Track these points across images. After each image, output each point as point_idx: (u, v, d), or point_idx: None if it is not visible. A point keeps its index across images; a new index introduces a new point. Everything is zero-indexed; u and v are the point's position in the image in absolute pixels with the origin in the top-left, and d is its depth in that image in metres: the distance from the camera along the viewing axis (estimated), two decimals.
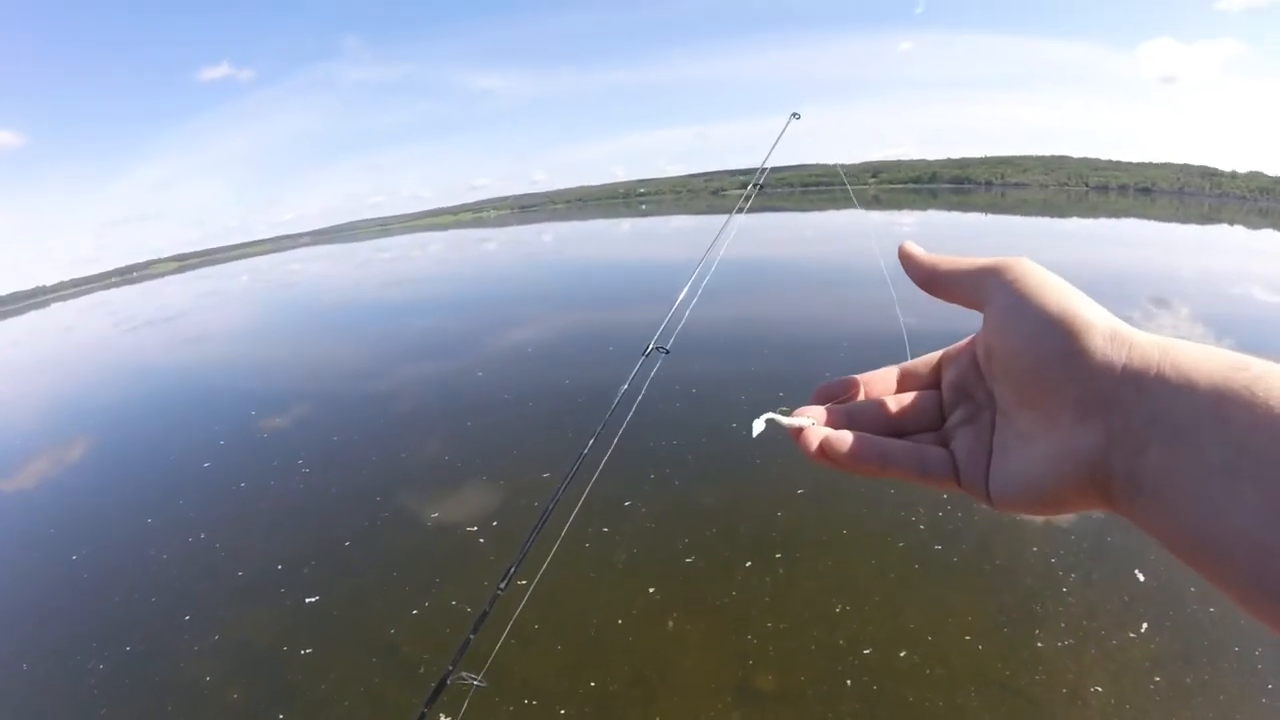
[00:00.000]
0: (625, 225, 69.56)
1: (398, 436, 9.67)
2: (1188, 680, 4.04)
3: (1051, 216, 52.75)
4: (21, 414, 16.92)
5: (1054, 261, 0.56)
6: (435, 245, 71.86)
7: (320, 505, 7.93)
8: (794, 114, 1.73)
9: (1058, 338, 0.49)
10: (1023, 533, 5.69)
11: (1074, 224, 44.97)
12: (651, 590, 5.38)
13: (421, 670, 4.85)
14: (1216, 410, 0.41)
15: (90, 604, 6.56)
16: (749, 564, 5.55)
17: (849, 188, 3.20)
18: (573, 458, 1.63)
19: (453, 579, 5.95)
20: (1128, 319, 0.50)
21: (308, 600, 5.94)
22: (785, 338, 12.53)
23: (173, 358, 21.41)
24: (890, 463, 0.58)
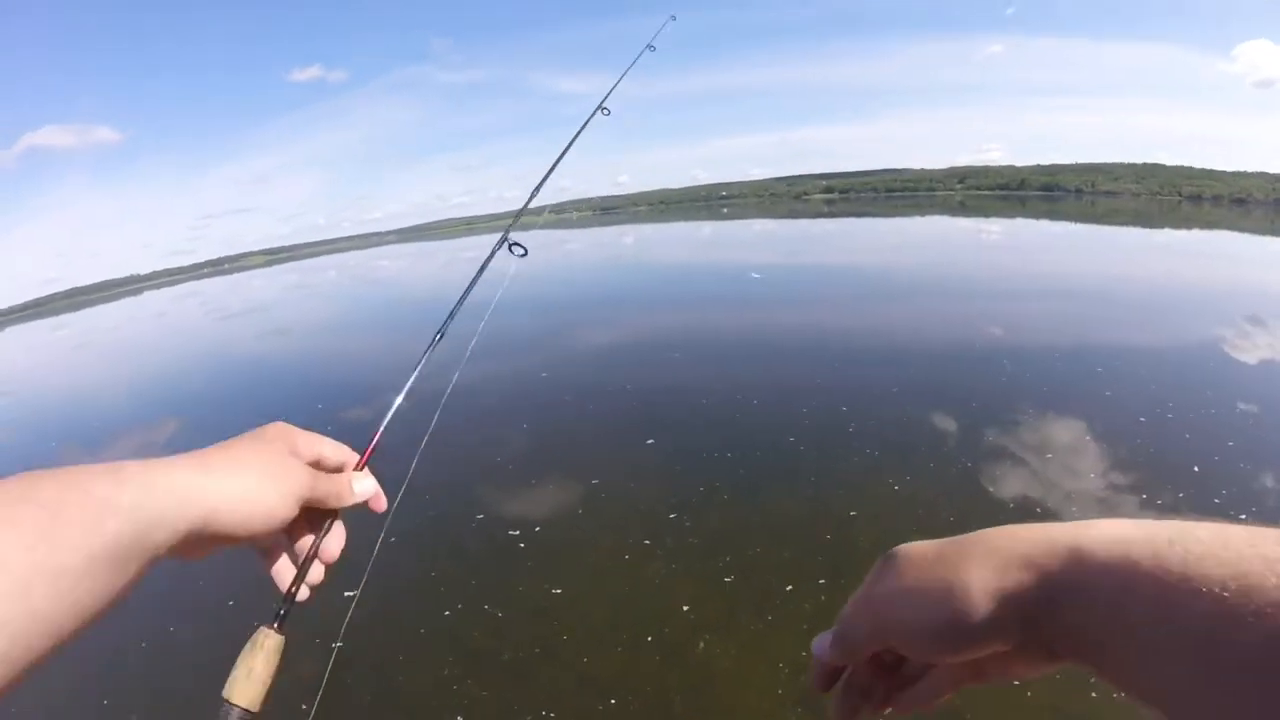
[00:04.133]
0: (706, 229, 69.36)
1: (471, 434, 9.65)
2: None
3: (1142, 227, 50.98)
4: (111, 394, 17.55)
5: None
6: (516, 246, 72.60)
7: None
8: (604, 109, 1.59)
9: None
10: None
11: (1164, 236, 43.34)
12: (686, 608, 5.24)
13: None
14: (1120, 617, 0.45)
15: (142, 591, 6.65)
16: (790, 588, 5.37)
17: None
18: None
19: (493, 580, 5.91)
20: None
21: (346, 593, 5.93)
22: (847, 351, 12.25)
23: (254, 347, 22.06)
24: None
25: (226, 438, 0.71)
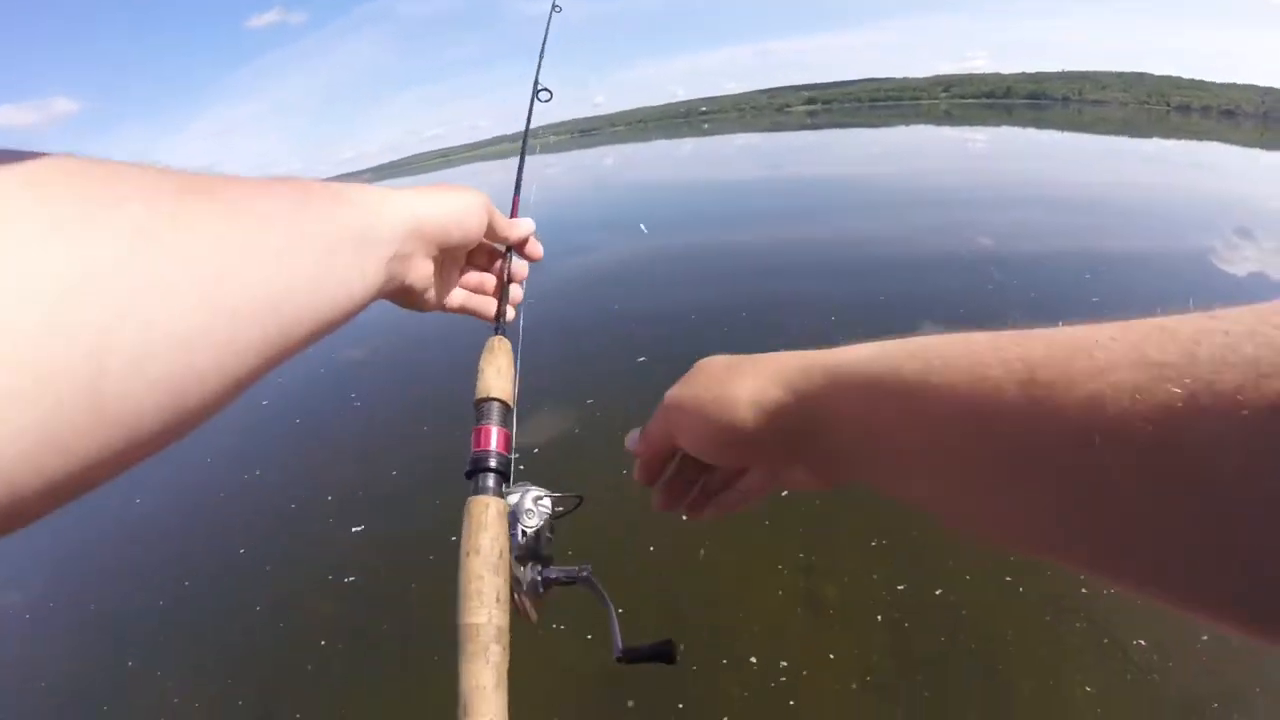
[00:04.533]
0: (687, 145, 68.47)
1: (455, 370, 9.63)
2: None
3: (1130, 136, 50.64)
4: None
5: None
6: (497, 175, 71.61)
7: (369, 436, 8.02)
8: (555, 6, 1.58)
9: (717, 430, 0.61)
10: None
11: (1152, 145, 43.14)
12: (685, 517, 5.32)
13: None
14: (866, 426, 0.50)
15: (150, 543, 6.76)
16: (785, 493, 5.44)
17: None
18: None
19: None
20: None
21: (354, 529, 6.03)
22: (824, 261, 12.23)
23: None
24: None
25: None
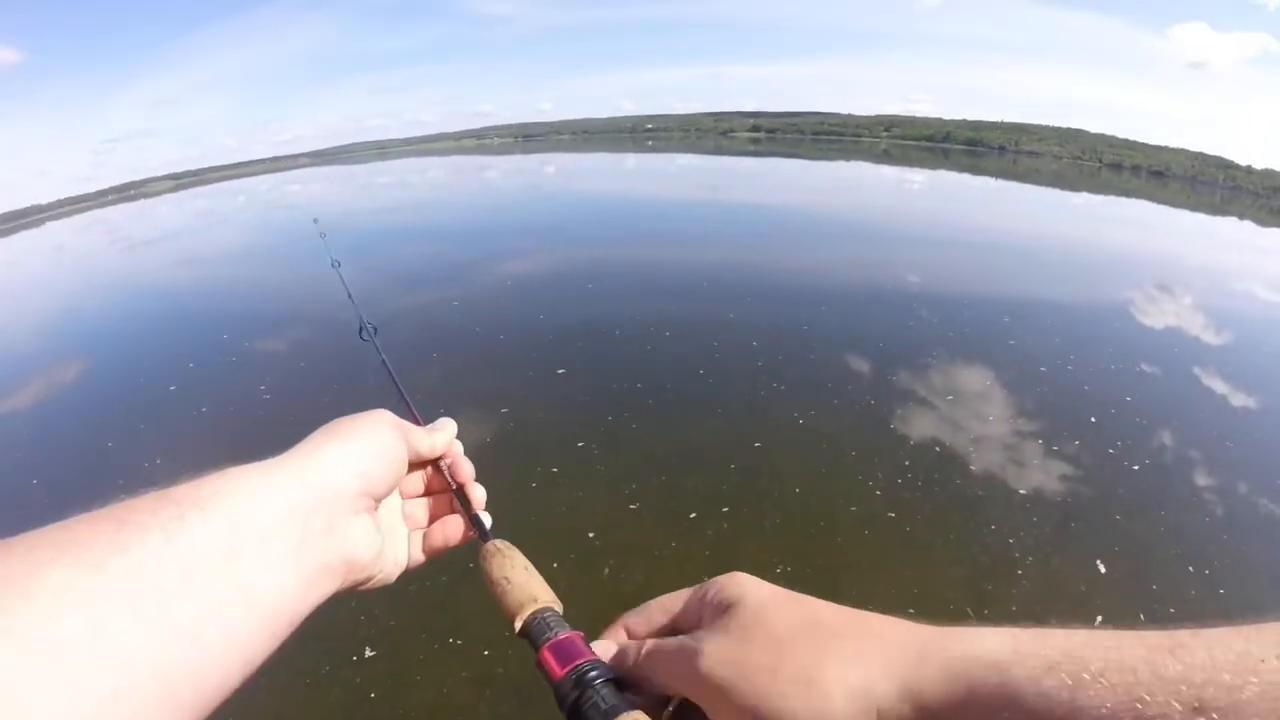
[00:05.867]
0: (630, 161, 68.68)
1: (364, 366, 9.44)
2: None
3: (1061, 189, 52.47)
4: (8, 334, 16.69)
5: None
6: (435, 171, 70.93)
7: (276, 434, 7.79)
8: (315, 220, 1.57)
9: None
10: (983, 510, 5.51)
11: (1082, 199, 44.80)
12: (591, 535, 5.25)
13: None
14: None
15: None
16: (694, 515, 5.41)
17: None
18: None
19: None
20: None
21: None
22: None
23: (160, 279, 21.05)
24: None
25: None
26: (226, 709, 0.46)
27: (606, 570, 4.85)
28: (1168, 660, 0.36)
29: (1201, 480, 6.08)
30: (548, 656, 0.58)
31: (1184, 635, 0.38)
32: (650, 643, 0.57)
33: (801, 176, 46.32)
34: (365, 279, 14.31)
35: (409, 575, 0.73)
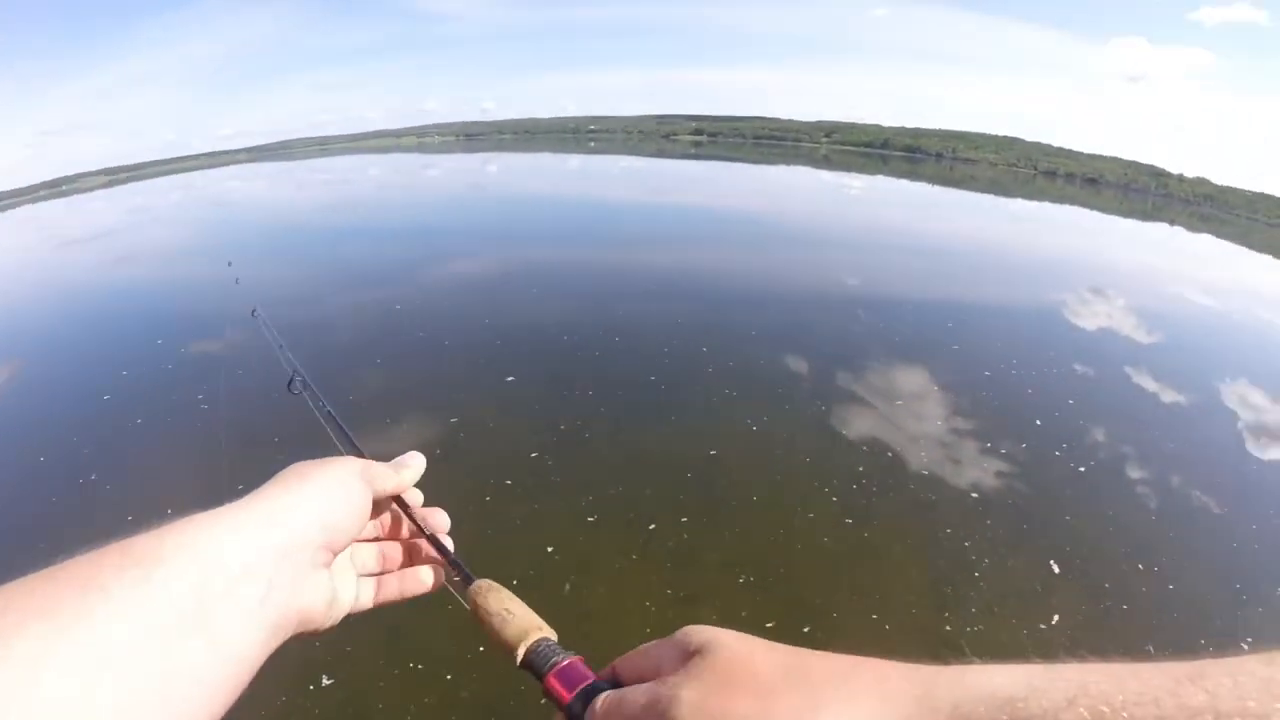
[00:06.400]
0: (573, 162, 68.44)
1: (322, 370, 9.24)
2: None
3: (996, 195, 53.64)
4: None
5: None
6: (374, 169, 69.95)
7: (216, 448, 7.59)
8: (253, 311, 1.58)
9: None
10: (938, 514, 5.58)
11: (1018, 205, 45.85)
12: (550, 549, 5.19)
13: None
14: None
15: None
16: (653, 526, 5.38)
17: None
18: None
19: None
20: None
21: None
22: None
23: (90, 278, 20.37)
24: None
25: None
26: None
27: (568, 586, 4.78)
28: (1191, 690, 0.35)
29: (1143, 477, 6.27)
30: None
31: (1206, 664, 0.37)
32: (611, 695, 0.55)
33: (743, 180, 46.59)
34: (300, 282, 14.11)
35: None
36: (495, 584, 0.74)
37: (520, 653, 0.64)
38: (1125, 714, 0.35)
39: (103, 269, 21.01)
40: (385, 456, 0.85)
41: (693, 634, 0.54)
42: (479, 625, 0.70)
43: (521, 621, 0.68)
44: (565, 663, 0.61)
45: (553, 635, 0.67)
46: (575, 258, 15.76)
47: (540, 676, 0.62)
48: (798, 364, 8.46)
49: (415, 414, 7.45)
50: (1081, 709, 0.36)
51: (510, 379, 8.17)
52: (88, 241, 29.75)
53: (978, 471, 6.18)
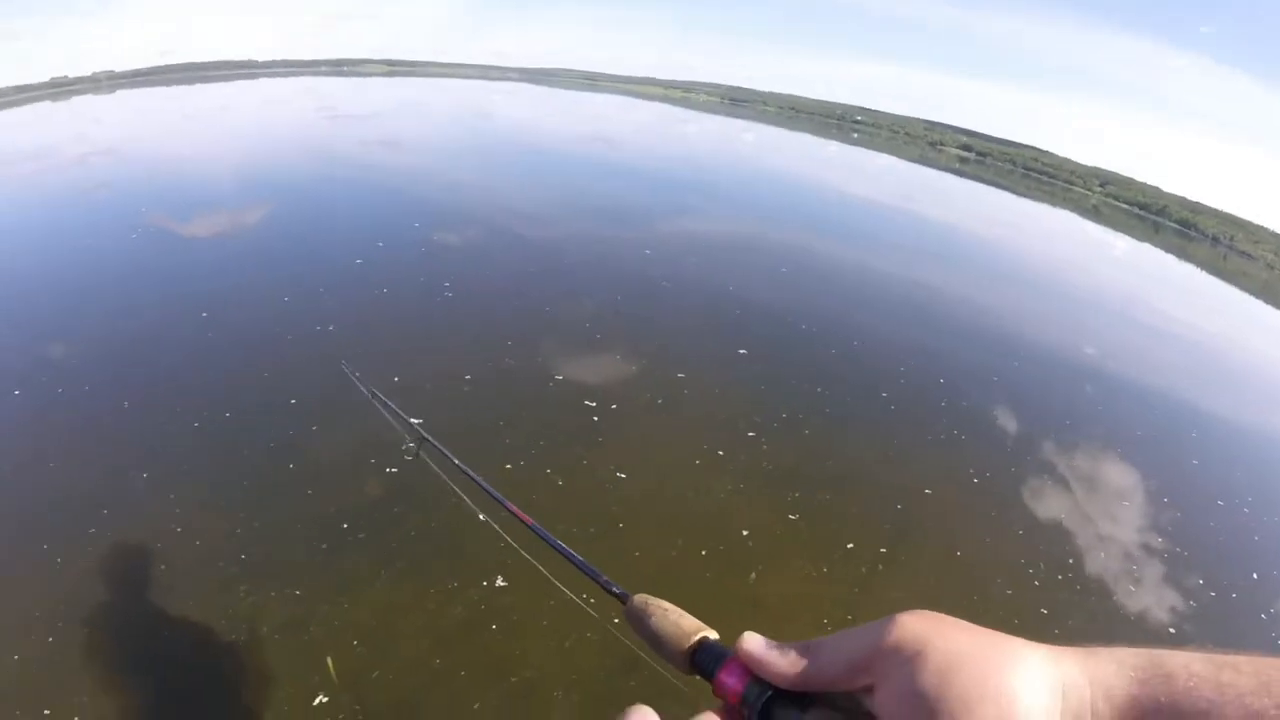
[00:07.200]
0: (831, 148, 66.96)
1: (546, 288, 9.55)
2: None
3: (1266, 302, 47.99)
4: (208, 169, 17.63)
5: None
6: (641, 113, 70.88)
7: (453, 331, 7.96)
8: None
9: None
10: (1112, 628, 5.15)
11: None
12: (745, 534, 5.15)
13: None
14: None
15: (205, 364, 6.83)
16: (850, 545, 5.23)
17: None
18: None
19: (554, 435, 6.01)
20: None
21: (414, 421, 5.94)
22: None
23: (361, 153, 21.92)
24: None
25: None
26: None
27: (754, 576, 4.80)
28: None
29: None
30: (724, 680, 0.61)
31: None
32: None
33: (1005, 211, 43.97)
34: (546, 203, 14.55)
35: None
36: (648, 597, 0.76)
37: (687, 657, 0.67)
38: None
39: (372, 147, 22.39)
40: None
41: (907, 629, 0.52)
42: (640, 638, 0.73)
43: (685, 625, 0.70)
44: (729, 660, 0.62)
45: (712, 634, 0.68)
46: (823, 248, 15.50)
47: (709, 676, 0.63)
48: (1034, 422, 7.93)
49: (644, 356, 7.65)
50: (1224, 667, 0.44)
51: (743, 351, 8.18)
52: (360, 118, 31.80)
53: (1153, 602, 5.56)
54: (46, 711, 3.66)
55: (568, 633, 4.05)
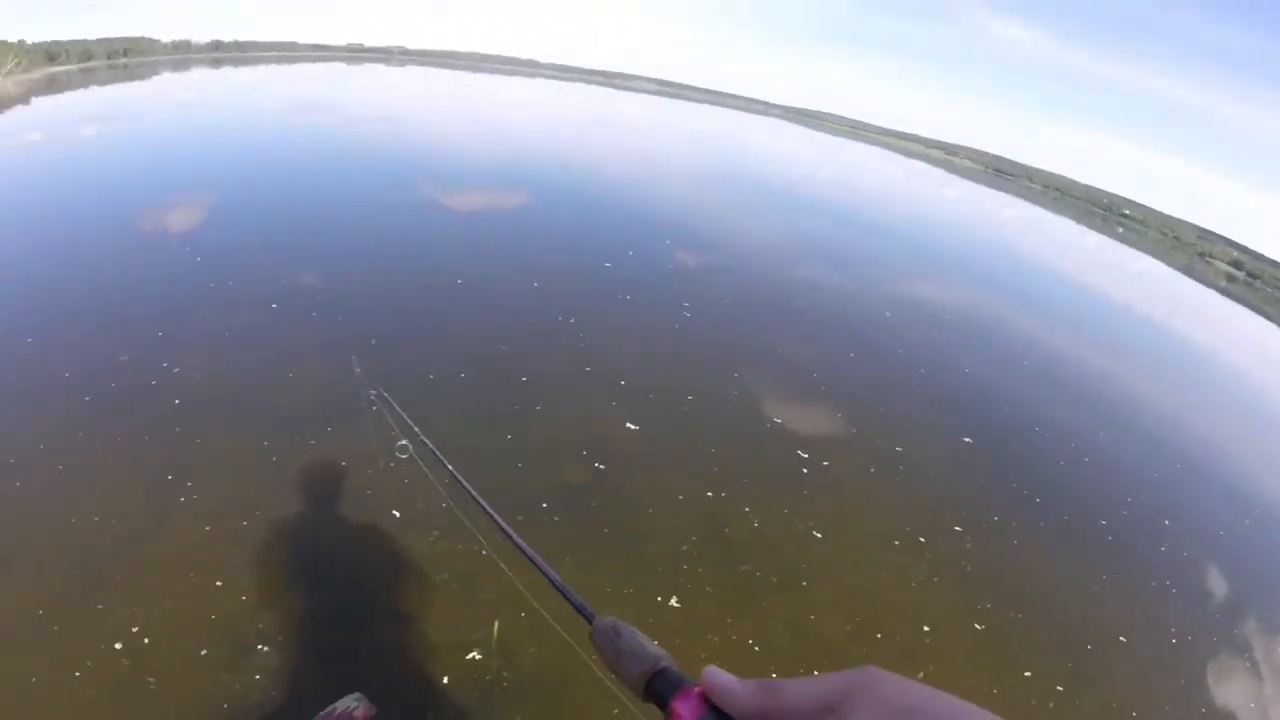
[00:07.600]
0: (1091, 239, 62.96)
1: (780, 327, 9.69)
2: None
3: None
4: (479, 153, 18.79)
5: None
6: (897, 168, 69.21)
7: (681, 350, 8.33)
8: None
9: None
10: None
11: None
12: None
13: None
14: None
15: (451, 322, 7.83)
16: (1062, 689, 5.02)
17: None
18: None
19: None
20: None
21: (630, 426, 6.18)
22: None
23: (614, 165, 22.70)
24: None
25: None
26: None
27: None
28: None
29: None
30: (678, 709, 0.60)
31: None
32: None
33: (1262, 343, 39.25)
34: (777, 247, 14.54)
35: None
36: (619, 620, 0.76)
37: (642, 686, 0.67)
38: None
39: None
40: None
41: (862, 692, 0.50)
42: (601, 657, 0.75)
43: (649, 650, 0.70)
44: (689, 691, 0.61)
45: (674, 665, 0.69)
46: (1071, 348, 14.52)
47: (663, 704, 0.64)
48: (1241, 590, 7.12)
49: (851, 412, 7.62)
50: None
51: (967, 440, 8.07)
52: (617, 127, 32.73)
53: None
54: (219, 583, 4.19)
55: None
